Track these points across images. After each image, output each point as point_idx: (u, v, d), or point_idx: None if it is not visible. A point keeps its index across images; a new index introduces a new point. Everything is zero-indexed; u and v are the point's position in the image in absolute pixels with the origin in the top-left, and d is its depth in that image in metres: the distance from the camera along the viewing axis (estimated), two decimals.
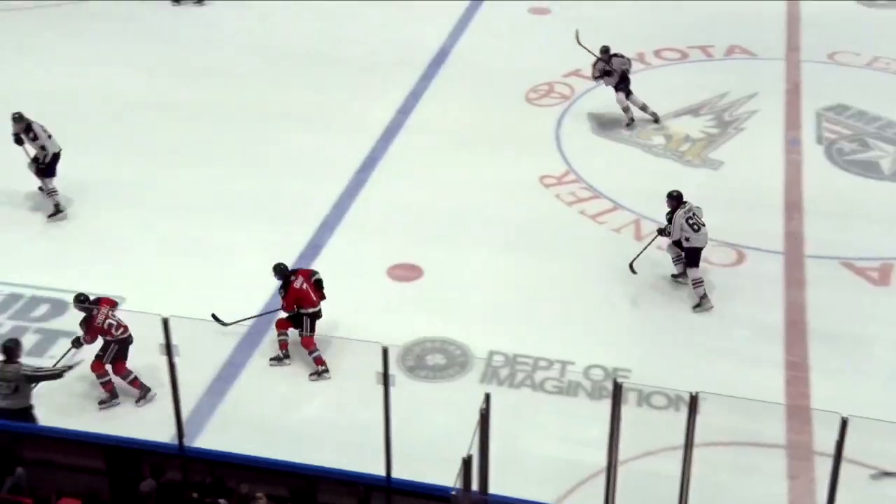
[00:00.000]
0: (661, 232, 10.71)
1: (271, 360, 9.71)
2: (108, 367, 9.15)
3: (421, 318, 10.25)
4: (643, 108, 13.80)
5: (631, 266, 10.66)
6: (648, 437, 8.35)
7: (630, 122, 13.76)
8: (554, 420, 9.19)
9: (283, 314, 9.67)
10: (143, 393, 9.22)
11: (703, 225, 10.41)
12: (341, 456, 7.62)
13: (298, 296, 9.51)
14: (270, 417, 9.03)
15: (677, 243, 10.57)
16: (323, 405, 9.45)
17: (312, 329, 9.56)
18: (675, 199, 10.51)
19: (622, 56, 13.63)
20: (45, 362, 9.12)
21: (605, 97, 14.06)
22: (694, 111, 14.36)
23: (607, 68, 13.57)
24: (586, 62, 14.26)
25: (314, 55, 15.71)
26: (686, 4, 17.69)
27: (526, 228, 11.73)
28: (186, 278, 10.70)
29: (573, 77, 15.02)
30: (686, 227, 10.33)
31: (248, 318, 9.90)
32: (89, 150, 12.98)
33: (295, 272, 9.70)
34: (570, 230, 11.69)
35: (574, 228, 11.75)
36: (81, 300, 9.18)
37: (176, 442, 7.39)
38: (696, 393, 6.32)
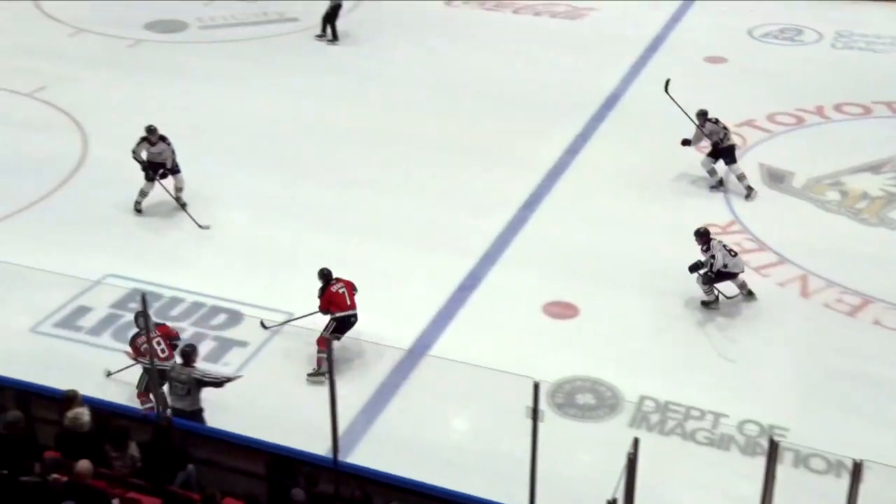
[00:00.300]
0: (708, 277, 10.80)
1: (312, 373, 9.77)
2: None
3: (573, 357, 10.28)
4: (740, 177, 13.13)
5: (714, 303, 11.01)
6: (804, 501, 8.07)
7: (716, 186, 13.24)
8: (703, 472, 9.00)
9: (322, 327, 9.88)
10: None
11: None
12: (486, 485, 7.73)
13: (332, 299, 9.90)
14: (420, 440, 9.23)
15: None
16: (472, 433, 9.63)
17: (339, 336, 9.80)
18: (706, 234, 10.91)
19: (716, 123, 13.11)
20: (221, 369, 9.61)
21: (778, 149, 13.71)
22: (874, 168, 13.80)
23: (704, 132, 13.09)
24: (760, 113, 13.88)
25: (488, 92, 16.08)
26: (874, 58, 17.06)
27: (686, 275, 11.56)
28: None
29: (745, 127, 14.75)
30: (725, 252, 10.75)
31: (289, 321, 10.11)
32: (269, 170, 13.78)
33: (338, 279, 10.04)
34: None
35: None
36: (137, 317, 9.46)
37: (331, 455, 7.69)
38: (861, 461, 6.08)
